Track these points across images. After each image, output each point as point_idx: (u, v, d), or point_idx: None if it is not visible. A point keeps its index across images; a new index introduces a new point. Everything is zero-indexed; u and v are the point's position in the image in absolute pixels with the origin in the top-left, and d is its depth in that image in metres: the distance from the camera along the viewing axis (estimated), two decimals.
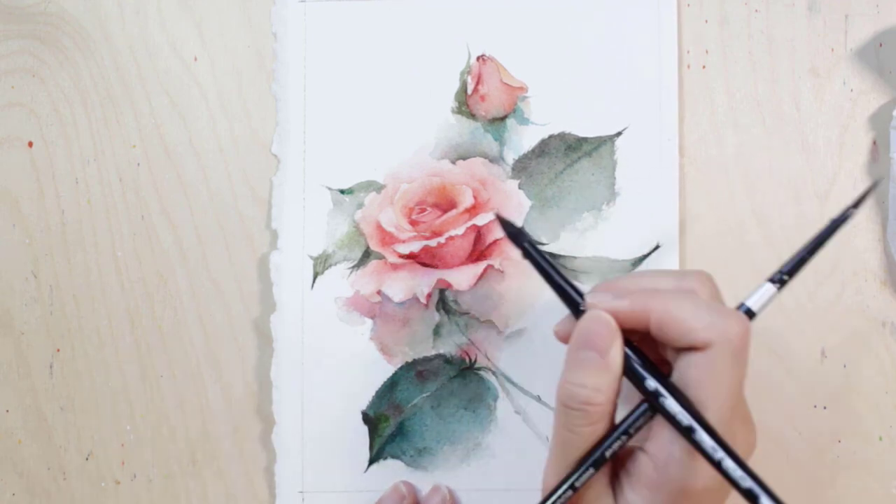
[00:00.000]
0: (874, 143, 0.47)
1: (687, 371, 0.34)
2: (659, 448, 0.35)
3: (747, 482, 0.32)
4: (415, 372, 0.49)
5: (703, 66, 0.48)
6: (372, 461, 0.49)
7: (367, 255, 0.49)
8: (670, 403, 0.34)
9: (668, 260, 0.47)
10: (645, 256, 0.47)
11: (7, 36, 0.53)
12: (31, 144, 0.52)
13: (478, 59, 0.49)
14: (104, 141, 0.52)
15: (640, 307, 0.35)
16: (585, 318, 0.36)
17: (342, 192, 0.50)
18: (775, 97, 0.48)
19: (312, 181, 0.50)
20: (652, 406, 0.35)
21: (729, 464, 0.33)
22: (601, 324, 0.35)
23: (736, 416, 0.35)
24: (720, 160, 0.48)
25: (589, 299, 0.36)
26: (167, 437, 0.51)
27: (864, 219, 0.47)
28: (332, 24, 0.50)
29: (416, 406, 0.49)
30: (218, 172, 0.51)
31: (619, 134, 0.48)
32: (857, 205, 0.36)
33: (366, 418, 0.49)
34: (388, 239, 0.49)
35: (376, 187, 0.49)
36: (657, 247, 0.47)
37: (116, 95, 0.52)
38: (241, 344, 0.51)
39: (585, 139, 0.48)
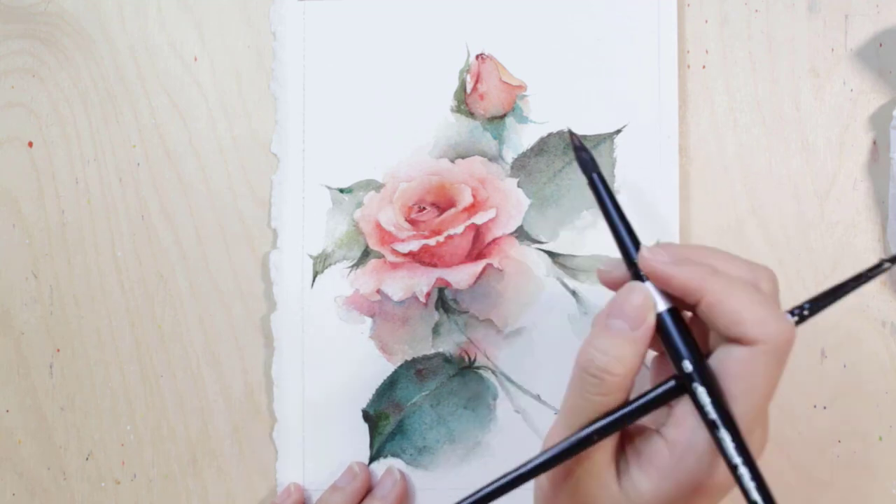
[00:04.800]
0: (874, 143, 0.47)
1: (726, 362, 0.33)
2: (680, 434, 0.33)
3: (754, 495, 0.31)
4: (414, 370, 0.49)
5: (703, 66, 0.48)
6: (372, 459, 0.49)
7: (366, 253, 0.49)
8: (701, 391, 0.33)
9: None
10: None
11: (7, 36, 0.53)
12: (31, 144, 0.52)
13: (477, 57, 0.49)
14: (104, 141, 0.52)
15: (696, 282, 0.33)
16: (626, 287, 0.35)
17: (341, 191, 0.50)
18: (775, 97, 0.48)
19: (312, 180, 0.50)
20: (681, 387, 0.34)
21: (744, 471, 0.32)
22: (641, 296, 0.34)
23: (760, 417, 0.34)
24: (720, 160, 0.48)
25: (645, 253, 0.35)
26: (167, 437, 0.51)
27: (864, 219, 0.47)
28: (331, 23, 0.50)
29: (416, 405, 0.49)
30: (218, 172, 0.51)
31: (618, 132, 0.48)
32: None
33: (366, 417, 0.49)
34: (387, 238, 0.49)
35: (375, 186, 0.49)
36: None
37: (116, 95, 0.52)
38: (241, 344, 0.51)
39: (584, 137, 0.48)
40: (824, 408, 0.47)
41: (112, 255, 0.52)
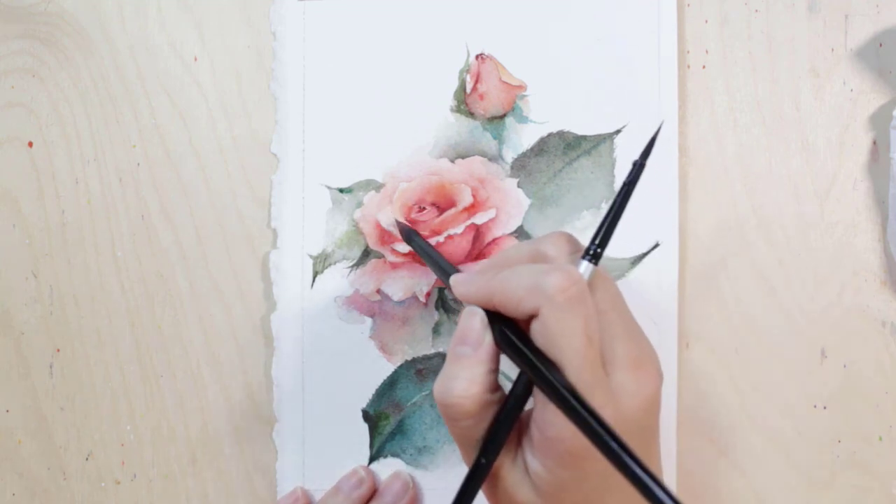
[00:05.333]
0: (874, 143, 0.47)
1: (537, 339, 0.34)
2: (537, 412, 0.34)
3: (600, 433, 0.30)
4: (414, 370, 0.49)
5: (703, 66, 0.48)
6: (372, 459, 0.49)
7: (366, 253, 0.49)
8: (538, 371, 0.33)
9: (668, 259, 0.47)
10: (644, 255, 0.47)
11: (7, 36, 0.53)
12: (31, 144, 0.52)
13: (477, 57, 0.49)
14: (104, 141, 0.52)
15: (484, 290, 0.36)
16: (463, 314, 0.37)
17: (341, 190, 0.50)
18: (775, 97, 0.48)
19: (312, 180, 0.50)
20: (528, 384, 0.35)
21: (586, 417, 0.30)
22: (476, 319, 0.36)
23: (599, 366, 0.33)
24: (720, 160, 0.48)
25: (450, 281, 0.38)
26: (167, 437, 0.51)
27: (864, 219, 0.47)
28: (330, 23, 0.50)
29: (416, 404, 0.49)
30: (218, 172, 0.51)
31: (618, 132, 0.48)
32: (644, 157, 0.36)
33: (366, 416, 0.49)
34: (387, 238, 0.49)
35: (375, 186, 0.49)
36: (657, 245, 0.47)
37: (116, 95, 0.52)
38: (241, 344, 0.51)
39: (584, 137, 0.48)
40: (824, 408, 0.47)
41: (112, 255, 0.52)
